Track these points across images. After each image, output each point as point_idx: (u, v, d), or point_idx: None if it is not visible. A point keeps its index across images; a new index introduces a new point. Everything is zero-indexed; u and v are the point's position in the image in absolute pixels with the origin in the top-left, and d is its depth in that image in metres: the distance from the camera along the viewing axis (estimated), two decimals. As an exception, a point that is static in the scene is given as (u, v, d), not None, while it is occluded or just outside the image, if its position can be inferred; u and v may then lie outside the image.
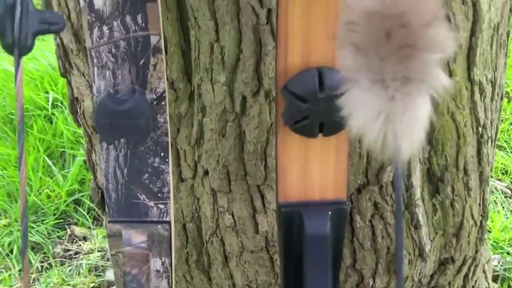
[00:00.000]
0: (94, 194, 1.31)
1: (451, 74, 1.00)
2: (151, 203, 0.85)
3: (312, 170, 0.80)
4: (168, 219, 0.84)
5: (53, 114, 2.66)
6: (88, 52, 0.80)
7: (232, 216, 1.13)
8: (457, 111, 1.05)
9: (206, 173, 1.10)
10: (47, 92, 2.73)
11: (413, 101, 0.47)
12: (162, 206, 0.85)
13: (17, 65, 0.58)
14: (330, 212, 0.79)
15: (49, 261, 2.21)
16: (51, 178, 2.43)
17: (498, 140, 2.35)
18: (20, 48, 0.60)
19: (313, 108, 0.73)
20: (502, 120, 2.56)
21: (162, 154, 0.84)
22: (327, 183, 0.81)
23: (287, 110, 0.75)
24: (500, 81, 1.10)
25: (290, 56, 0.74)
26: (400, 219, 0.51)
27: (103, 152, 0.83)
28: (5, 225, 2.30)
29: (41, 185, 2.41)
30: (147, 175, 0.84)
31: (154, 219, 0.84)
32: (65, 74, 1.14)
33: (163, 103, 0.82)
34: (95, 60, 0.80)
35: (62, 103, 2.70)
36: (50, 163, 2.48)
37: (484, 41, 1.01)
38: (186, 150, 1.10)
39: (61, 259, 2.25)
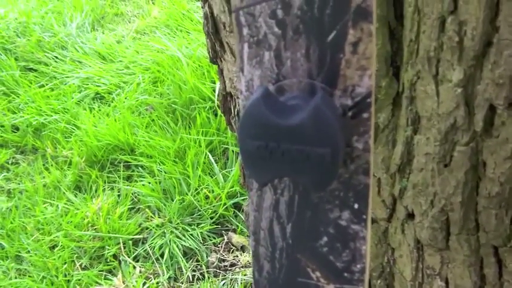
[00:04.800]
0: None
1: None
2: (331, 287, 0.48)
3: None
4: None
5: (219, 106, 2.39)
6: (235, 16, 0.44)
7: (446, 284, 0.77)
8: None
9: (411, 216, 0.80)
10: (213, 82, 2.48)
11: None
12: (347, 296, 0.48)
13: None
14: None
15: (202, 271, 1.97)
16: (212, 177, 2.18)
17: None
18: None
19: None
20: None
21: (357, 206, 0.47)
22: None
23: None
24: None
25: None
26: None
27: (252, 193, 0.47)
28: (157, 226, 2.08)
29: (200, 184, 2.17)
30: (326, 239, 0.48)
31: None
32: (215, 58, 0.80)
33: (365, 115, 0.44)
34: (246, 32, 0.44)
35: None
36: (212, 160, 2.21)
37: None
38: (381, 179, 0.80)
39: (215, 270, 1.98)
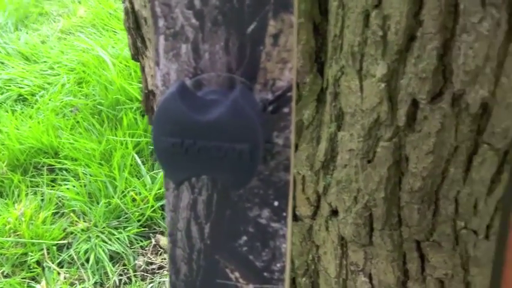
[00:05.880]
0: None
1: None
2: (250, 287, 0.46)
3: None
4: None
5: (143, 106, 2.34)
6: (150, 7, 0.42)
7: (370, 279, 0.76)
8: None
9: (334, 213, 0.79)
10: (141, 82, 2.44)
11: None
12: (269, 296, 0.47)
13: None
14: None
15: (129, 275, 1.91)
16: (139, 179, 2.13)
17: None
18: None
19: None
20: None
21: (277, 203, 0.45)
22: None
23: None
24: None
25: None
26: None
27: (168, 193, 0.45)
28: (83, 230, 2.03)
29: (126, 186, 2.12)
30: (245, 238, 0.46)
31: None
32: (136, 55, 0.77)
33: (286, 110, 0.43)
34: (162, 23, 0.42)
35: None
36: (139, 161, 2.17)
37: None
38: (305, 176, 0.79)
39: (142, 273, 1.94)
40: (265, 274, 0.47)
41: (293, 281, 0.88)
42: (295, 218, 0.82)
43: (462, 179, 0.65)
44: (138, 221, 2.05)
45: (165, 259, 1.99)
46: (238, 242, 0.47)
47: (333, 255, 0.80)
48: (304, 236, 0.83)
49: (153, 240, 2.03)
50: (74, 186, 2.14)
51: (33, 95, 2.67)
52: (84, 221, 2.07)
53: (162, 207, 2.09)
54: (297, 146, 0.77)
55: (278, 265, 0.47)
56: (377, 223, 0.72)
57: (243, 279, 0.48)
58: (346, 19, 0.64)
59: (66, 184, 2.18)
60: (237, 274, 0.48)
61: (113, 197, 2.07)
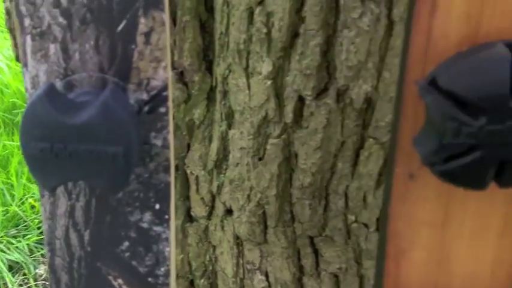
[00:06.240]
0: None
1: None
2: (136, 295, 0.45)
3: (458, 252, 0.40)
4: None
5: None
6: (14, 6, 0.40)
7: (266, 277, 0.77)
8: None
9: (229, 212, 0.78)
10: (37, 83, 2.37)
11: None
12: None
13: None
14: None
15: (29, 285, 1.86)
16: (37, 185, 2.06)
17: None
18: None
19: (495, 130, 0.33)
20: None
21: (158, 206, 0.44)
22: (483, 277, 0.41)
23: (430, 131, 0.35)
24: None
25: (441, 16, 0.34)
26: None
27: (44, 200, 0.43)
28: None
29: (25, 193, 2.06)
30: (127, 244, 0.44)
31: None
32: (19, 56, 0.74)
33: (162, 110, 0.42)
34: (27, 23, 0.40)
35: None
36: (37, 167, 2.10)
37: None
38: (199, 176, 0.78)
39: (44, 282, 1.89)
40: (149, 279, 0.46)
41: (191, 283, 0.87)
42: (191, 219, 0.81)
43: (350, 174, 0.66)
44: (38, 228, 2.00)
45: (68, 266, 1.95)
46: (120, 248, 0.45)
47: (230, 255, 0.80)
48: (200, 237, 0.82)
49: (54, 247, 1.99)
50: (-32, 195, 2.06)
51: None
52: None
53: (63, 213, 2.04)
54: (189, 146, 0.76)
55: (162, 269, 0.46)
56: (270, 221, 0.72)
57: (127, 286, 0.46)
58: (231, 16, 0.63)
59: (-41, 193, 2.10)
60: (120, 281, 0.46)
61: (11, 205, 2.01)
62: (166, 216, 0.45)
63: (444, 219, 0.41)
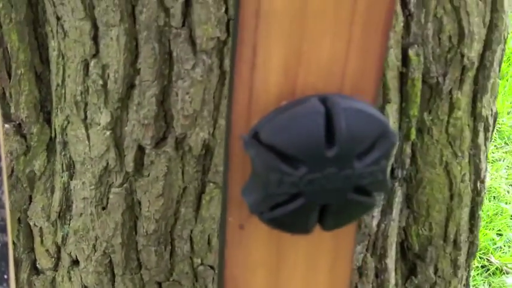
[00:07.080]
0: None
1: (452, 106, 0.68)
2: None
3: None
4: None
5: None
6: None
7: None
8: (454, 161, 0.72)
9: (75, 262, 0.77)
10: None
11: None
12: None
13: None
14: None
15: None
16: None
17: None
18: None
19: (315, 178, 0.36)
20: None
21: (-6, 268, 0.43)
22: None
23: (256, 182, 0.38)
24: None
25: (261, 72, 0.37)
26: None
27: None
28: None
29: None
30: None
31: None
32: None
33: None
34: None
35: None
36: None
37: (496, 58, 0.69)
38: (43, 228, 0.77)
39: None
40: None
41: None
42: (37, 271, 0.79)
43: (194, 218, 0.68)
44: None
45: None
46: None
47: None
48: (47, 290, 0.80)
49: None
50: None
51: None
52: None
53: None
54: (31, 198, 0.74)
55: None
56: (117, 269, 0.72)
57: None
58: (67, 68, 0.64)
59: None
60: None
61: None
62: (6, 276, 0.44)
63: (277, 262, 0.44)
